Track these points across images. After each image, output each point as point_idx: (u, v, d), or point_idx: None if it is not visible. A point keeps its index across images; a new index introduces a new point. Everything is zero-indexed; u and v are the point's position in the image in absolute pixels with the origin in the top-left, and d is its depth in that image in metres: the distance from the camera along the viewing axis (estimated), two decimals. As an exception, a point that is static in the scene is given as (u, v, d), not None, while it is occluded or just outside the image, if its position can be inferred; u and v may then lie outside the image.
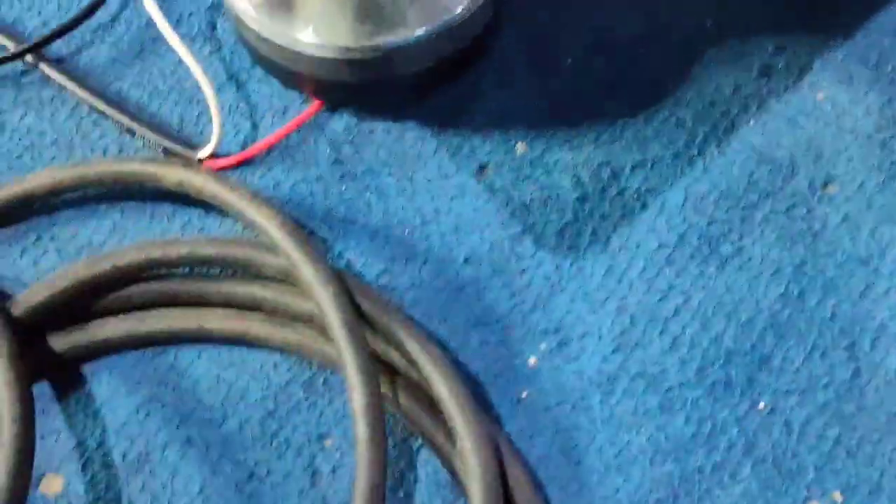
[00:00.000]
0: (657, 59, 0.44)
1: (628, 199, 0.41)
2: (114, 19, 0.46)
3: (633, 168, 0.42)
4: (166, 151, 0.42)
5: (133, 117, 0.44)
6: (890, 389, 0.37)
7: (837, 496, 0.36)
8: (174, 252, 0.39)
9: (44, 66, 0.45)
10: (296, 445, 0.38)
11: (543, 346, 0.39)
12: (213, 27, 0.45)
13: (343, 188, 0.42)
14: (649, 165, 0.42)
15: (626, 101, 0.43)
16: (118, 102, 0.45)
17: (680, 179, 0.41)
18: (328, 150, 0.43)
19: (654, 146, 0.42)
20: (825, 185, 0.41)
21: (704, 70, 0.43)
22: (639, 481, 0.37)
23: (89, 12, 0.45)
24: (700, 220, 0.40)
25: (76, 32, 0.46)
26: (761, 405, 0.37)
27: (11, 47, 0.45)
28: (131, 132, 0.43)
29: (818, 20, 0.44)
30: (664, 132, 0.42)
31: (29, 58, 0.45)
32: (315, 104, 0.43)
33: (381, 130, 0.43)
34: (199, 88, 0.42)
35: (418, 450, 0.37)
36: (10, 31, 0.47)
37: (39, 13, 0.48)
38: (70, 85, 0.44)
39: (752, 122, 0.42)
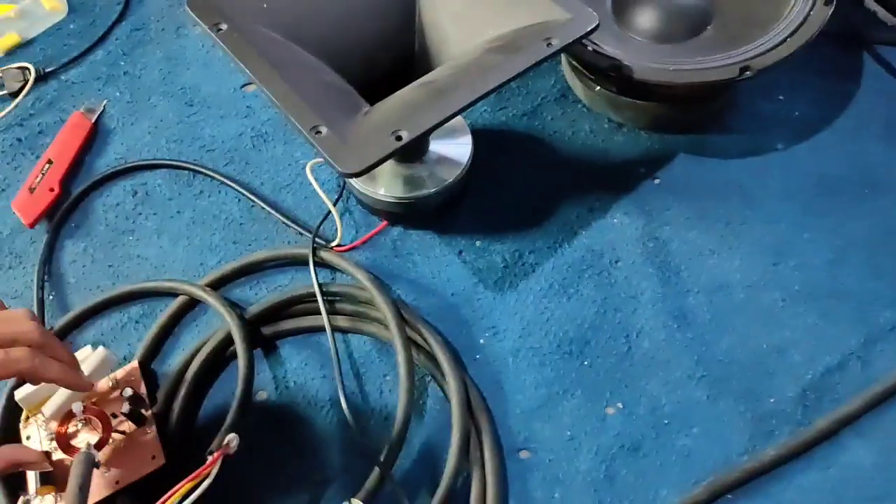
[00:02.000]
0: (545, 201, 0.78)
1: (527, 267, 0.76)
2: (297, 182, 0.81)
3: (528, 252, 0.76)
4: (314, 243, 0.76)
5: (299, 228, 0.77)
6: (645, 358, 0.70)
7: (619, 405, 0.69)
8: (319, 289, 0.75)
9: (237, 187, 0.78)
10: (372, 377, 0.70)
11: (487, 334, 0.72)
12: (340, 185, 0.79)
13: (397, 261, 0.76)
14: (536, 251, 0.76)
15: (529, 222, 0.77)
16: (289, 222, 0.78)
17: (551, 258, 0.75)
18: (390, 244, 0.77)
19: (539, 242, 0.77)
20: (616, 261, 0.75)
21: (576, 196, 0.80)
22: (531, 394, 0.69)
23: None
24: (559, 277, 0.75)
25: (267, 181, 0.80)
26: (586, 362, 0.71)
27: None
28: (296, 231, 0.77)
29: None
30: (544, 237, 0.77)
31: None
32: (384, 223, 0.76)
33: (414, 234, 0.77)
34: (331, 213, 0.77)
35: (428, 382, 0.70)
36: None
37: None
38: (254, 197, 0.78)
39: (587, 232, 0.78)
